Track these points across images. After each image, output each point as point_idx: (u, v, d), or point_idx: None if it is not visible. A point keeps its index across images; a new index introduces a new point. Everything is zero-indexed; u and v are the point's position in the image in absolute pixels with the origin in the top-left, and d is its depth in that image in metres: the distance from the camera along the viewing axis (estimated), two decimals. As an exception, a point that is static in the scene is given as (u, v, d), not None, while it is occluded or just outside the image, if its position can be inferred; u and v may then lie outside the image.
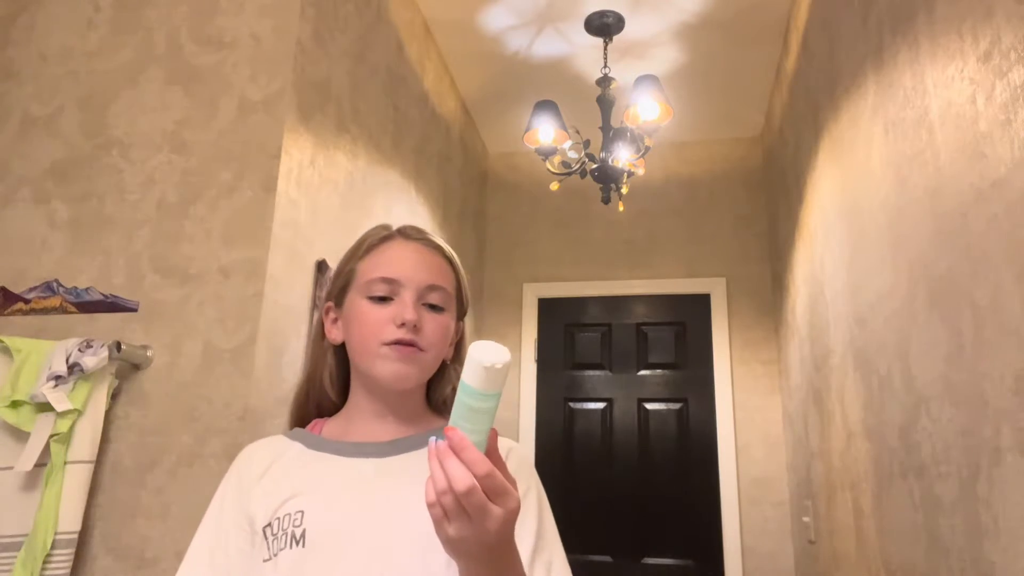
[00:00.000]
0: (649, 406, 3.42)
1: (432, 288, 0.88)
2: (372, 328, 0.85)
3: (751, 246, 3.54)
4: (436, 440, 0.63)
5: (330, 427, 0.92)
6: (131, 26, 1.87)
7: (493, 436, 0.65)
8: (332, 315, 0.93)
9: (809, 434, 2.65)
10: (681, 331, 3.50)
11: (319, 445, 0.87)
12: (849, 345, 2.00)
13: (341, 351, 0.92)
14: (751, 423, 3.31)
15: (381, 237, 0.92)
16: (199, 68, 1.80)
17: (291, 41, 1.77)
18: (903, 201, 1.51)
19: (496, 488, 0.62)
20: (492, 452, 0.65)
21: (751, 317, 3.44)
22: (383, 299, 0.86)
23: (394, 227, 0.94)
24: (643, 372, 3.48)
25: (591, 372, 3.51)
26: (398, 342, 0.84)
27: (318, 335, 0.94)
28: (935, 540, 1.37)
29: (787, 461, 3.18)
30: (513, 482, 0.65)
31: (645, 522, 3.24)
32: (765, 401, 3.32)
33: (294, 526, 0.78)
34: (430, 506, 0.63)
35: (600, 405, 3.47)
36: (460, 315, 0.95)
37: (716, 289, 3.50)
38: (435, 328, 0.87)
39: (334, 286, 0.93)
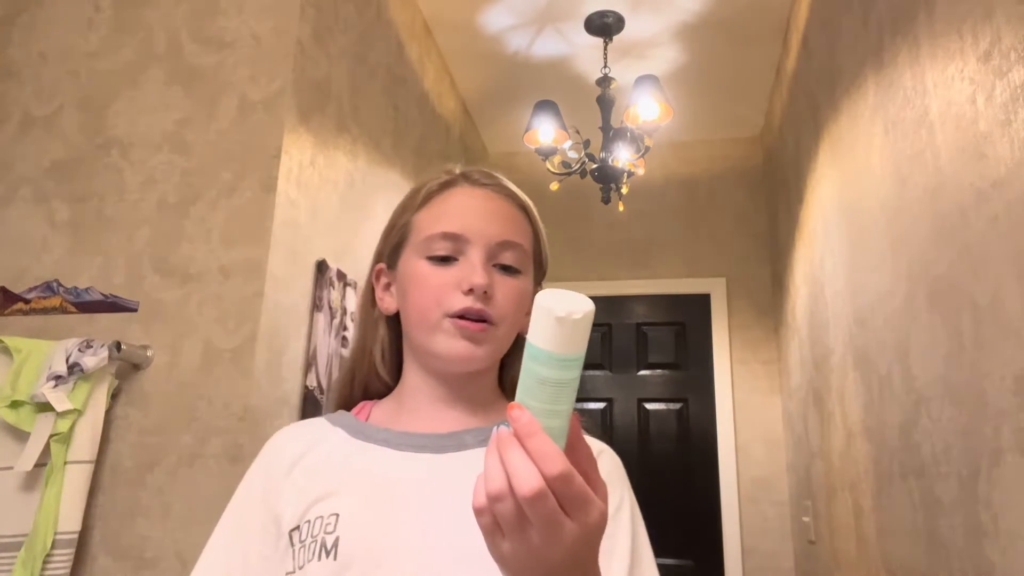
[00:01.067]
0: (649, 406, 3.43)
1: (506, 245, 0.72)
2: (432, 295, 0.71)
3: (751, 246, 3.54)
4: (499, 427, 0.47)
5: (379, 412, 0.77)
6: (131, 26, 1.87)
7: (575, 422, 0.47)
8: (384, 279, 0.78)
9: (809, 434, 2.65)
10: (681, 331, 3.50)
11: (364, 433, 0.72)
12: (849, 345, 2.00)
13: (395, 322, 0.77)
14: (751, 423, 3.31)
15: (442, 183, 0.76)
16: (199, 68, 1.80)
17: (291, 41, 1.77)
18: (903, 201, 1.51)
19: (574, 494, 0.45)
20: (575, 443, 0.47)
21: (751, 317, 3.44)
22: (445, 259, 0.71)
23: (457, 170, 0.78)
24: (643, 372, 3.48)
25: (591, 372, 3.51)
26: (465, 314, 0.69)
27: (367, 303, 0.80)
28: (935, 540, 1.37)
29: (787, 461, 3.18)
30: (602, 488, 0.48)
31: (645, 522, 3.23)
32: (765, 401, 3.32)
33: (325, 532, 0.64)
34: (478, 513, 0.46)
35: (600, 405, 3.47)
36: (538, 278, 0.80)
37: (716, 289, 3.50)
38: (509, 294, 0.72)
39: (386, 244, 0.79)
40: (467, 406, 0.74)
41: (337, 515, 0.64)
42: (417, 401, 0.74)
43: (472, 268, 0.70)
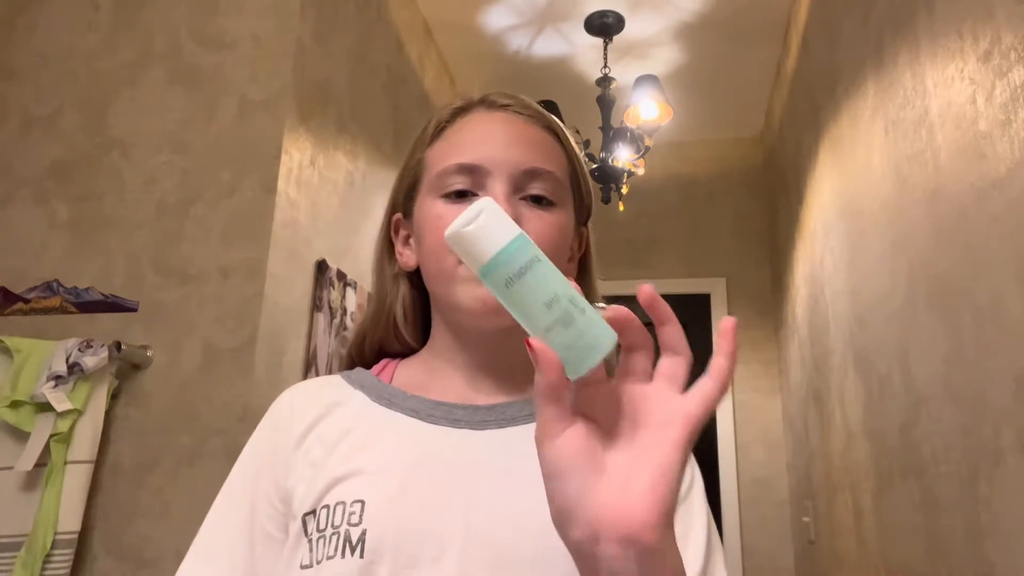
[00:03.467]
0: (649, 406, 3.42)
1: (533, 173, 0.61)
2: None
3: (751, 246, 3.54)
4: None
5: (404, 374, 0.66)
6: (131, 26, 1.87)
7: (613, 312, 0.40)
8: (403, 231, 0.68)
9: (809, 434, 2.65)
10: (681, 331, 3.50)
11: (389, 399, 0.61)
12: (849, 345, 2.00)
13: (418, 278, 0.67)
14: (751, 423, 3.31)
15: (455, 110, 0.66)
16: (199, 68, 1.79)
17: (291, 41, 1.77)
18: (903, 201, 1.51)
19: None
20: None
21: (751, 317, 3.44)
22: (463, 195, 0.61)
23: (475, 96, 0.68)
24: (643, 372, 3.48)
25: (591, 372, 3.50)
26: None
27: (383, 259, 0.70)
28: (935, 540, 1.37)
29: (787, 461, 3.18)
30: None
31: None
32: (765, 401, 3.32)
33: (349, 524, 0.53)
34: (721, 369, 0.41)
35: (600, 405, 3.46)
36: (582, 216, 0.69)
37: (716, 289, 3.50)
38: (543, 230, 0.60)
39: (399, 188, 0.68)
40: (505, 373, 0.63)
41: (363, 502, 0.54)
42: (448, 367, 0.64)
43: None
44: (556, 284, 0.40)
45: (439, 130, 0.66)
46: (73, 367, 1.45)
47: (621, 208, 2.90)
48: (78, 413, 1.44)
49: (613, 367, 0.43)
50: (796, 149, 2.74)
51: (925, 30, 1.37)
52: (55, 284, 1.69)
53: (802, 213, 2.65)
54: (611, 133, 2.71)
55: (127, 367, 1.57)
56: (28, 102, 1.86)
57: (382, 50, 2.37)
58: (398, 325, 0.67)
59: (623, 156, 2.67)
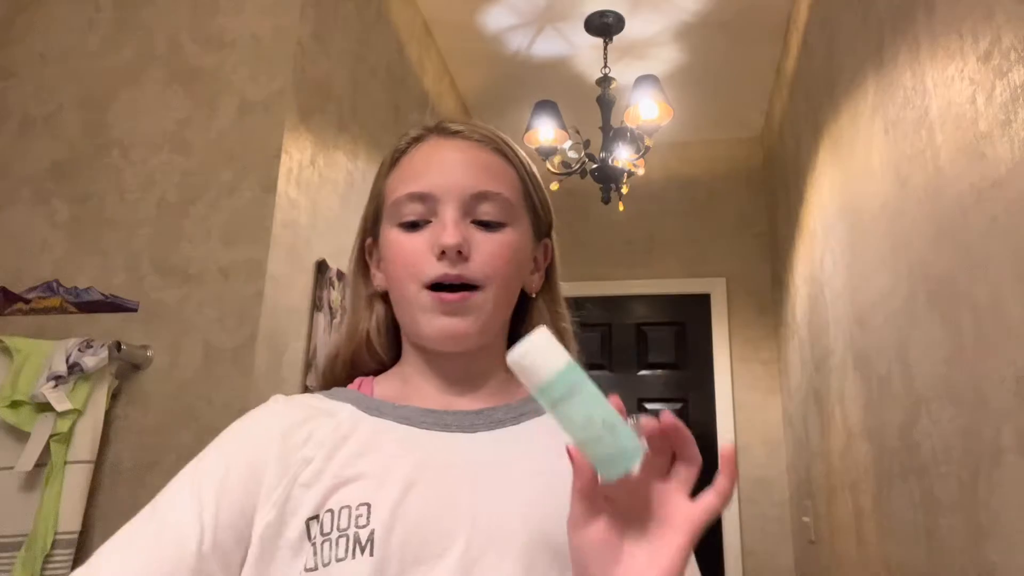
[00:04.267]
0: (649, 406, 3.43)
1: (482, 196, 0.64)
2: (405, 265, 0.63)
3: (751, 246, 3.54)
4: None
5: (383, 388, 0.68)
6: (131, 26, 1.87)
7: (648, 425, 0.49)
8: (376, 255, 0.71)
9: (809, 434, 2.65)
10: (681, 331, 3.50)
11: (379, 409, 0.63)
12: (849, 345, 2.00)
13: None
14: (751, 423, 3.31)
15: (411, 139, 0.69)
16: (199, 68, 1.80)
17: (291, 41, 1.77)
18: (903, 201, 1.51)
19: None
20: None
21: (751, 317, 3.44)
22: (416, 225, 0.64)
23: (432, 123, 0.71)
24: (643, 372, 3.48)
25: (591, 372, 3.48)
26: (442, 281, 0.61)
27: (358, 281, 0.72)
28: (935, 540, 1.37)
29: (787, 461, 3.18)
30: None
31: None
32: (765, 401, 3.32)
33: (357, 526, 0.54)
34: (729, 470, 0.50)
35: (600, 405, 3.46)
36: (540, 229, 0.73)
37: (716, 289, 3.50)
38: (492, 251, 0.63)
39: (367, 216, 0.72)
40: (480, 383, 0.66)
41: (369, 505, 0.55)
42: (423, 380, 0.66)
43: (443, 228, 0.62)
44: (593, 407, 0.48)
45: (395, 160, 0.69)
46: (73, 367, 1.45)
47: (621, 208, 2.90)
48: (78, 413, 1.44)
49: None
50: (796, 149, 2.74)
51: (925, 30, 1.37)
52: (55, 284, 1.69)
53: (802, 213, 2.65)
54: (611, 133, 2.70)
55: (127, 367, 1.57)
56: (28, 102, 1.86)
57: (382, 50, 2.37)
58: (372, 343, 0.70)
59: (623, 156, 2.67)
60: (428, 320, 0.62)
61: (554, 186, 2.90)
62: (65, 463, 1.42)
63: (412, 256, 0.63)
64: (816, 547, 2.59)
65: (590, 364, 3.43)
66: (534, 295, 0.72)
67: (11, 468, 1.42)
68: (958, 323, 1.24)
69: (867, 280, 1.81)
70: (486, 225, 0.64)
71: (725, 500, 0.48)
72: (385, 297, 0.70)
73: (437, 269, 0.62)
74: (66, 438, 1.43)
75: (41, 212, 1.76)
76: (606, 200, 2.76)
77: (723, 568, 3.15)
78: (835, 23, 2.07)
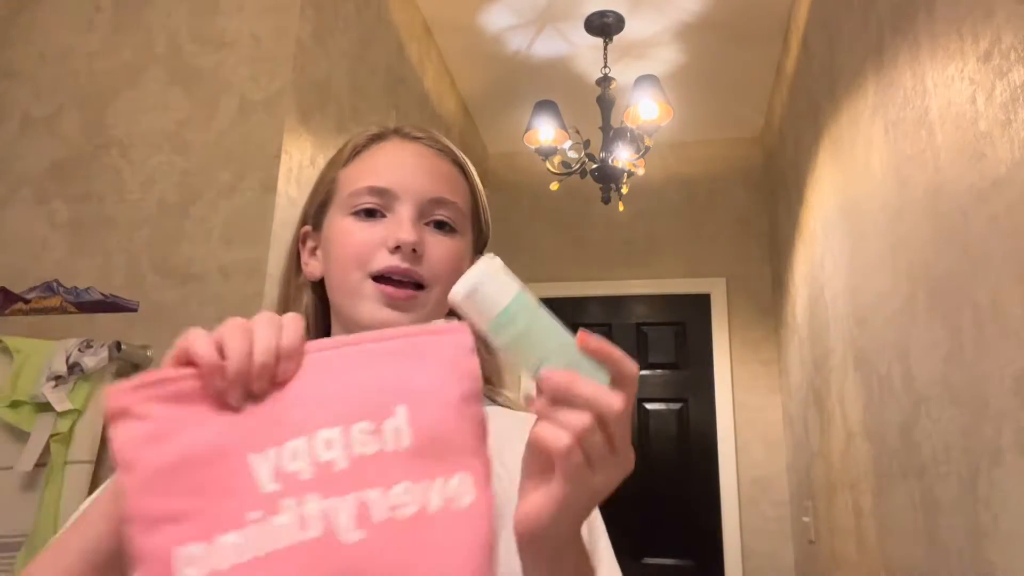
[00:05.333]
0: (649, 406, 3.43)
1: (439, 202, 0.67)
2: (355, 252, 0.64)
3: (751, 246, 3.54)
4: (544, 369, 0.44)
5: None
6: (131, 26, 1.87)
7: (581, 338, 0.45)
8: (310, 243, 0.72)
9: (809, 434, 2.65)
10: (681, 331, 3.50)
11: None
12: (849, 345, 2.00)
13: (321, 288, 0.71)
14: (751, 423, 3.31)
15: (370, 136, 0.72)
16: (199, 68, 1.80)
17: (291, 41, 1.77)
18: (903, 201, 1.51)
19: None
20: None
21: (751, 317, 3.44)
22: (371, 214, 0.66)
23: (390, 125, 0.74)
24: (643, 372, 3.48)
25: (591, 372, 3.50)
26: (389, 273, 0.63)
27: (290, 269, 0.74)
28: (935, 540, 1.37)
29: (787, 461, 3.18)
30: None
31: (645, 522, 3.24)
32: (765, 401, 3.32)
33: None
34: (565, 455, 0.42)
35: (600, 405, 3.46)
36: (479, 244, 0.74)
37: (716, 289, 3.50)
38: (443, 254, 0.65)
39: (311, 203, 0.73)
40: None
41: None
42: None
43: (399, 224, 0.64)
44: (552, 337, 0.45)
45: (355, 153, 0.70)
46: (73, 367, 1.45)
47: (621, 208, 2.90)
48: (78, 413, 1.44)
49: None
50: (796, 149, 2.74)
51: (925, 30, 1.37)
52: (55, 284, 1.69)
53: (802, 213, 2.65)
54: (611, 133, 2.70)
55: (127, 367, 1.57)
56: (28, 102, 1.86)
57: (382, 50, 2.37)
58: None
59: (623, 156, 2.67)
60: (369, 309, 0.63)
61: (554, 186, 2.90)
62: (65, 463, 1.42)
63: (363, 245, 0.64)
64: (816, 547, 2.59)
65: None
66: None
67: (11, 468, 1.42)
68: (958, 323, 1.24)
69: (867, 280, 1.81)
70: (440, 227, 0.67)
71: (562, 491, 0.44)
72: (314, 287, 0.71)
73: (388, 261, 0.63)
74: (66, 438, 1.43)
75: (41, 212, 1.76)
76: (606, 200, 2.77)
77: (723, 568, 3.15)
78: (835, 23, 2.07)
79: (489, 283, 0.45)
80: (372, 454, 0.43)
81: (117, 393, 0.42)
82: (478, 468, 0.45)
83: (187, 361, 0.44)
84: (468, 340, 0.47)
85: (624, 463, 0.44)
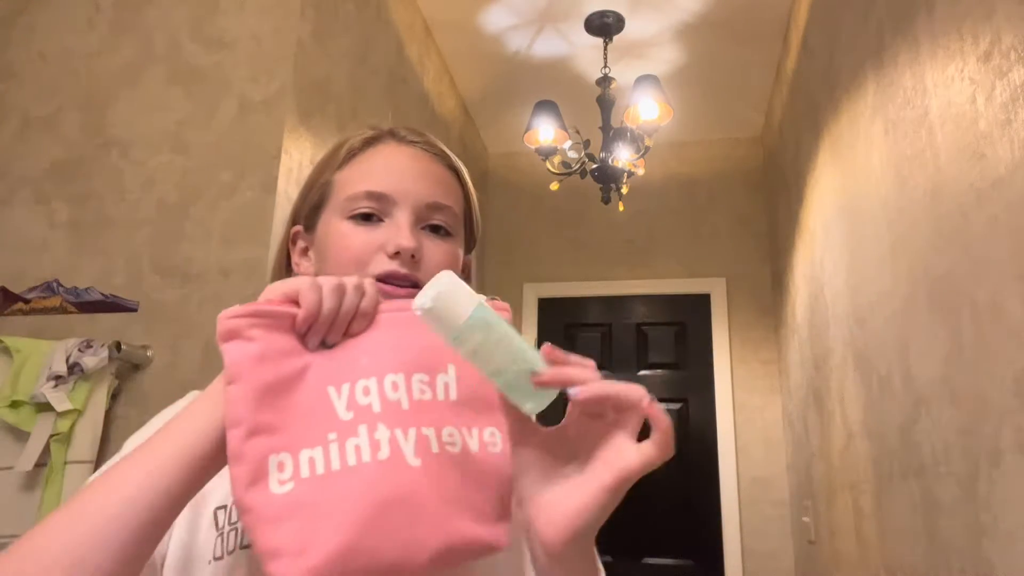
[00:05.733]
0: (649, 406, 3.42)
1: (435, 207, 0.68)
2: (354, 256, 0.65)
3: (751, 246, 3.54)
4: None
5: None
6: (131, 26, 1.87)
7: (547, 351, 0.48)
8: (301, 243, 0.73)
9: (809, 434, 2.65)
10: (681, 331, 3.50)
11: None
12: (849, 345, 2.00)
13: None
14: (751, 423, 3.31)
15: (366, 139, 0.71)
16: (199, 68, 1.80)
17: (291, 41, 1.77)
18: (903, 201, 1.51)
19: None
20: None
21: (751, 317, 3.44)
22: (368, 218, 0.66)
23: (384, 127, 0.74)
24: (643, 372, 3.48)
25: (591, 372, 3.50)
26: (389, 278, 0.64)
27: (279, 268, 0.75)
28: (935, 540, 1.37)
29: (787, 461, 3.18)
30: None
31: (645, 522, 3.24)
32: (765, 401, 3.32)
33: None
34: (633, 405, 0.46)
35: (600, 405, 3.46)
36: (469, 246, 0.76)
37: (716, 289, 3.50)
38: (440, 259, 0.67)
39: (303, 204, 0.73)
40: None
41: None
42: None
43: (398, 230, 0.65)
44: (511, 346, 0.48)
45: (350, 156, 0.70)
46: (73, 367, 1.45)
47: (621, 208, 2.90)
48: (78, 413, 1.44)
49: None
50: (796, 149, 2.74)
51: (925, 30, 1.37)
52: (55, 284, 1.69)
53: (802, 213, 2.65)
54: (611, 133, 2.70)
55: (127, 367, 1.57)
56: (28, 102, 1.86)
57: (382, 50, 2.37)
58: None
59: (623, 156, 2.67)
60: None
61: (554, 186, 2.90)
62: (65, 463, 1.42)
63: (362, 250, 0.65)
64: (816, 547, 2.59)
65: (590, 364, 3.39)
66: None
67: (11, 468, 1.42)
68: (958, 323, 1.24)
69: (867, 280, 1.81)
70: (435, 231, 0.68)
71: (662, 452, 0.46)
72: None
73: (387, 265, 0.64)
74: (66, 438, 1.43)
75: (41, 212, 1.76)
76: (606, 200, 2.77)
77: (723, 568, 3.15)
78: (835, 23, 2.07)
79: (450, 297, 0.47)
80: (427, 400, 0.51)
81: (230, 317, 0.51)
82: (503, 425, 0.51)
83: (291, 301, 0.51)
84: (507, 317, 0.52)
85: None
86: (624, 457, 0.46)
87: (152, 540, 0.48)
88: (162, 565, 0.58)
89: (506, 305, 0.53)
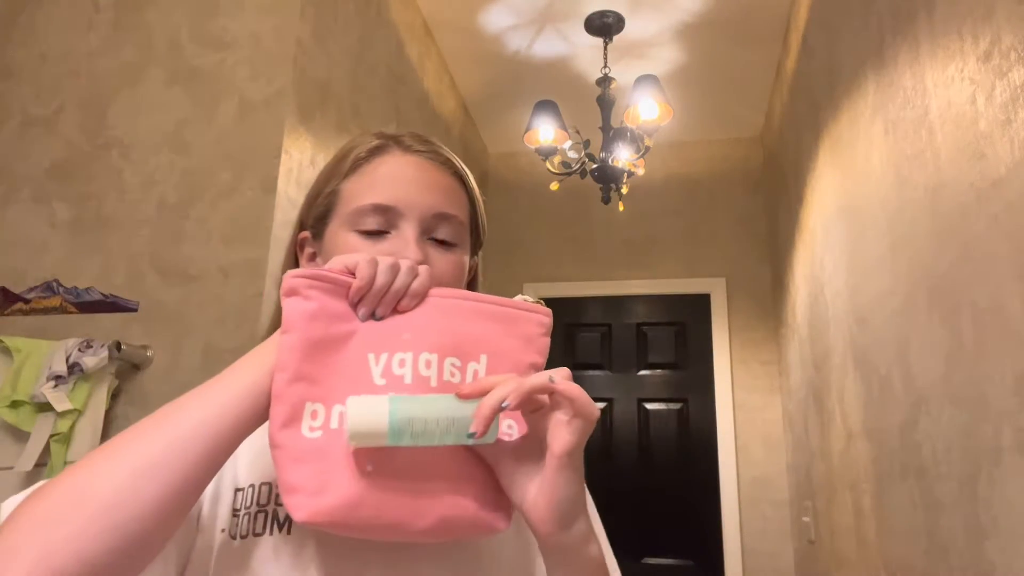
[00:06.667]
0: (649, 406, 3.43)
1: (441, 218, 0.68)
2: None
3: (751, 246, 3.54)
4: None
5: None
6: (131, 26, 1.87)
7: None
8: (309, 249, 0.73)
9: (809, 434, 2.65)
10: (681, 331, 3.50)
11: None
12: (849, 345, 2.00)
13: None
14: (751, 423, 3.31)
15: (371, 148, 0.71)
16: (199, 68, 1.80)
17: (291, 41, 1.77)
18: (903, 201, 1.51)
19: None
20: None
21: (751, 317, 3.44)
22: (375, 233, 0.67)
23: (389, 133, 0.74)
24: (643, 372, 3.48)
25: (591, 372, 3.51)
26: None
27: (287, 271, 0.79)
28: (935, 540, 1.37)
29: (787, 461, 3.18)
30: None
31: (645, 522, 3.24)
32: (765, 401, 3.32)
33: (276, 503, 0.60)
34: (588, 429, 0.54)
35: (600, 405, 3.47)
36: (475, 249, 0.77)
37: (716, 289, 3.50)
38: (446, 269, 0.67)
39: (310, 211, 0.72)
40: None
41: None
42: None
43: (405, 243, 0.65)
44: (436, 418, 0.51)
45: (356, 165, 0.70)
46: (73, 367, 1.45)
47: (621, 208, 2.90)
48: (78, 413, 1.44)
49: None
50: (796, 149, 2.74)
51: (925, 30, 1.37)
52: (55, 284, 1.69)
53: (802, 213, 2.65)
54: (611, 133, 2.70)
55: (127, 367, 1.57)
56: (28, 102, 1.86)
57: (382, 50, 2.37)
58: None
59: (623, 156, 2.67)
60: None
61: (554, 186, 2.90)
62: (65, 463, 1.42)
63: None
64: (816, 547, 2.59)
65: (590, 364, 3.41)
66: None
67: (11, 468, 1.42)
68: (958, 323, 1.24)
69: (867, 280, 1.81)
70: (441, 243, 0.69)
71: (584, 419, 0.53)
72: None
73: None
74: (66, 438, 1.43)
75: (41, 212, 1.76)
76: (606, 200, 2.77)
77: (723, 568, 3.15)
78: (835, 23, 2.07)
79: (361, 420, 0.49)
80: (455, 383, 0.54)
81: (293, 276, 0.55)
82: (522, 420, 0.56)
83: (350, 272, 0.55)
84: (547, 321, 0.59)
85: (591, 413, 0.54)
86: (560, 435, 0.53)
87: (215, 466, 0.52)
88: (197, 521, 0.60)
89: (547, 310, 0.58)
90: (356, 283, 0.55)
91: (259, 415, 0.53)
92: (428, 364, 0.54)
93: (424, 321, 0.56)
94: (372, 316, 0.56)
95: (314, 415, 0.52)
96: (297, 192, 1.75)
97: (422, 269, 0.57)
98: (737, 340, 3.42)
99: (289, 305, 0.55)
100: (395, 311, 0.57)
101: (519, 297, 0.63)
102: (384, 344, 0.55)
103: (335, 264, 0.57)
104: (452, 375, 0.55)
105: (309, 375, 0.53)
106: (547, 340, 0.59)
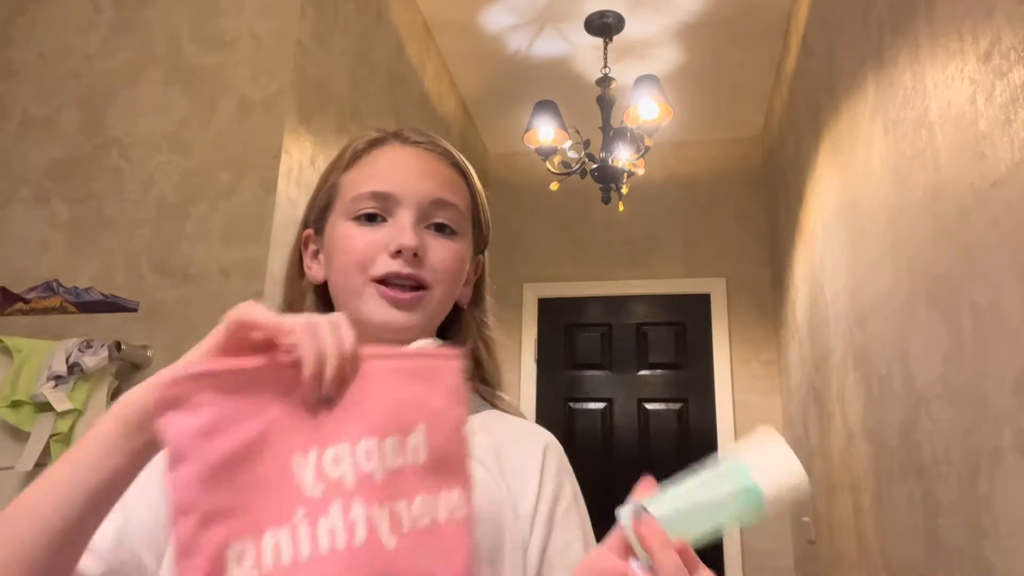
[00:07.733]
0: (649, 406, 3.43)
1: (439, 204, 0.68)
2: (356, 257, 0.65)
3: (751, 246, 3.54)
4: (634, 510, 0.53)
5: None
6: (131, 26, 1.87)
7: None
8: (312, 246, 0.73)
9: (809, 434, 2.65)
10: (681, 331, 3.50)
11: None
12: (849, 345, 2.00)
13: (325, 292, 0.71)
14: (751, 423, 3.30)
15: (370, 141, 0.71)
16: (199, 68, 1.80)
17: (291, 41, 1.77)
18: (903, 201, 1.51)
19: None
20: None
21: (751, 317, 3.44)
22: (372, 219, 0.67)
23: (389, 129, 0.74)
24: (643, 372, 3.48)
25: (591, 372, 3.51)
26: (391, 279, 0.64)
27: (293, 273, 0.74)
28: (935, 540, 1.37)
29: (787, 461, 3.18)
30: None
31: (645, 522, 3.23)
32: (765, 401, 3.32)
33: None
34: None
35: (600, 405, 3.47)
36: (480, 246, 0.75)
37: (716, 289, 3.50)
38: (444, 256, 0.67)
39: (312, 207, 0.73)
40: None
41: None
42: None
43: (401, 228, 0.65)
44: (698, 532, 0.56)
45: (355, 158, 0.71)
46: (73, 367, 1.45)
47: (621, 208, 2.90)
48: (78, 413, 1.44)
49: None
50: (796, 149, 2.74)
51: (925, 30, 1.37)
52: (55, 284, 1.69)
53: (802, 213, 2.65)
54: (611, 133, 2.70)
55: (127, 367, 1.57)
56: (28, 102, 1.86)
57: (382, 50, 2.37)
58: None
59: (623, 156, 2.67)
60: (373, 310, 0.65)
61: (554, 186, 2.90)
62: (65, 463, 1.42)
63: (365, 250, 0.65)
64: (816, 547, 2.59)
65: (590, 364, 3.40)
66: (464, 306, 0.74)
67: (11, 468, 1.42)
68: (958, 323, 1.24)
69: (867, 280, 1.81)
70: (440, 229, 0.68)
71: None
72: (317, 289, 0.72)
73: (389, 266, 0.64)
74: (66, 438, 1.42)
75: (41, 212, 1.76)
76: (606, 200, 2.77)
77: (723, 568, 3.15)
78: (835, 23, 2.07)
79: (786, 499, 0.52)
80: (399, 467, 0.45)
81: (172, 384, 0.43)
82: (467, 483, 0.49)
83: (247, 342, 0.47)
84: (462, 367, 0.50)
85: None
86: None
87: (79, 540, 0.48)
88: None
89: (457, 352, 0.50)
90: (309, 367, 0.43)
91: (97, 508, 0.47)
92: (369, 454, 0.44)
93: (354, 396, 0.45)
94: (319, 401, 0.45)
95: (241, 558, 0.40)
96: (297, 192, 1.75)
97: (340, 318, 0.47)
98: (737, 340, 3.42)
99: (173, 425, 0.42)
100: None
101: (421, 343, 0.60)
102: (308, 437, 0.43)
103: (231, 320, 0.48)
104: (396, 459, 0.45)
105: (222, 509, 0.40)
106: (466, 386, 0.51)
